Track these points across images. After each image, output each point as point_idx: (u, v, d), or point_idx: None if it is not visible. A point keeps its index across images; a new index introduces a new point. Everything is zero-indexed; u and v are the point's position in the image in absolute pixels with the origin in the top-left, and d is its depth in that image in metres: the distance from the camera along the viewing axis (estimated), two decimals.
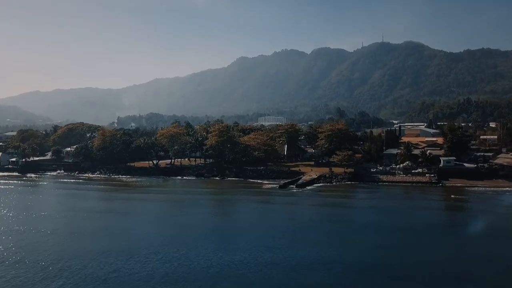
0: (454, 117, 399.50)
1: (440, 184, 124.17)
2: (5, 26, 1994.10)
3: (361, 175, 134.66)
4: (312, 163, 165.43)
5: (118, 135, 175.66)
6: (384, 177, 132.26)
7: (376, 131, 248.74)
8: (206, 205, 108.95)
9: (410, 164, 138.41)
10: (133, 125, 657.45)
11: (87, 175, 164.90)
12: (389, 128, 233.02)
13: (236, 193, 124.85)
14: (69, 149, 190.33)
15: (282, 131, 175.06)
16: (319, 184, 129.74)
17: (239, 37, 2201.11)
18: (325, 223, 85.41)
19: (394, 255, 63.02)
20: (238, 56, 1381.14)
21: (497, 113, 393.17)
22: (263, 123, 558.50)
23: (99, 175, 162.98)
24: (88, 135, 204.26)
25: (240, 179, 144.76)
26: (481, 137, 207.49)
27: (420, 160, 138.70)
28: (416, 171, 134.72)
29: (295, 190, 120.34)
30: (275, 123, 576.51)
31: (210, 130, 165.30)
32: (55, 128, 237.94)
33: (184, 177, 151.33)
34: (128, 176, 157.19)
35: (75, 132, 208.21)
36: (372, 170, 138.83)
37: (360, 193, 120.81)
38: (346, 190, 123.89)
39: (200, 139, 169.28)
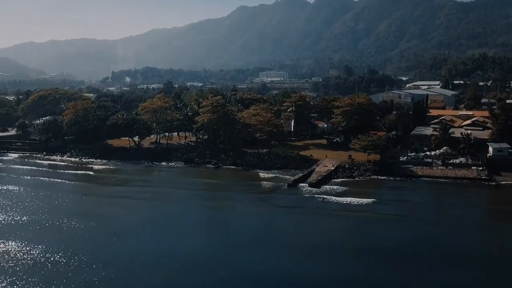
0: (468, 75, 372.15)
1: (494, 183, 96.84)
2: None
3: (389, 167, 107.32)
4: (325, 142, 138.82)
5: (92, 109, 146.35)
6: (418, 170, 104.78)
7: (393, 95, 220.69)
8: (194, 216, 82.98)
9: (449, 150, 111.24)
10: (127, 79, 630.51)
11: (56, 157, 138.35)
12: (414, 98, 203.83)
13: (233, 191, 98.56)
14: (39, 121, 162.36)
15: (289, 104, 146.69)
16: (337, 180, 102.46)
17: None
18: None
19: None
20: (238, 5, 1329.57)
21: None
22: (264, 79, 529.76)
23: (70, 158, 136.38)
24: (62, 104, 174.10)
25: (238, 167, 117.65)
26: (507, 101, 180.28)
27: (462, 146, 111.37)
28: (457, 161, 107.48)
29: (307, 193, 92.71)
30: (276, 78, 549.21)
31: (202, 103, 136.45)
32: (28, 93, 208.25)
33: (171, 164, 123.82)
34: (104, 161, 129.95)
35: (47, 101, 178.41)
36: (401, 158, 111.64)
37: (392, 196, 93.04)
38: (372, 189, 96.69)
39: (190, 114, 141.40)
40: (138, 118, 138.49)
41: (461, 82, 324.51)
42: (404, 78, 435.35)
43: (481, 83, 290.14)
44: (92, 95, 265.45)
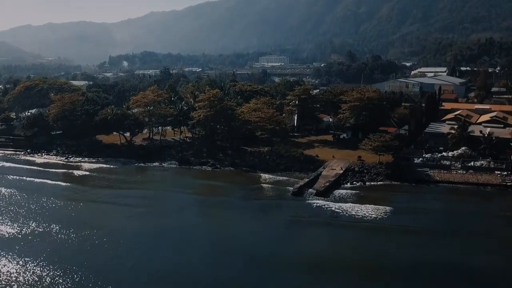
0: (475, 60, 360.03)
1: None
2: None
3: (402, 170, 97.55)
4: (330, 138, 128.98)
5: (80, 102, 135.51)
6: (435, 174, 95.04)
7: (400, 85, 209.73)
8: (188, 228, 73.70)
9: (468, 151, 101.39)
10: (125, 64, 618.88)
11: (41, 155, 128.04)
12: (422, 87, 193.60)
13: (233, 197, 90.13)
14: (25, 115, 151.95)
15: (293, 97, 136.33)
16: (346, 185, 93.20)
17: None
18: None
19: None
20: None
21: None
22: (265, 64, 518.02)
23: (56, 156, 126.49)
24: (52, 95, 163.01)
25: (238, 169, 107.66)
26: None
27: (482, 146, 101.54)
28: (478, 164, 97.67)
29: (314, 202, 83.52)
30: (277, 64, 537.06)
31: (199, 97, 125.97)
32: (15, 83, 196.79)
33: (164, 164, 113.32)
34: (93, 159, 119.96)
35: (34, 91, 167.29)
36: (416, 160, 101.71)
37: (408, 206, 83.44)
38: (385, 197, 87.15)
39: (185, 108, 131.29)
40: (129, 113, 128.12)
41: (468, 68, 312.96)
42: (408, 64, 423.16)
43: (489, 70, 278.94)
44: (86, 82, 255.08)
